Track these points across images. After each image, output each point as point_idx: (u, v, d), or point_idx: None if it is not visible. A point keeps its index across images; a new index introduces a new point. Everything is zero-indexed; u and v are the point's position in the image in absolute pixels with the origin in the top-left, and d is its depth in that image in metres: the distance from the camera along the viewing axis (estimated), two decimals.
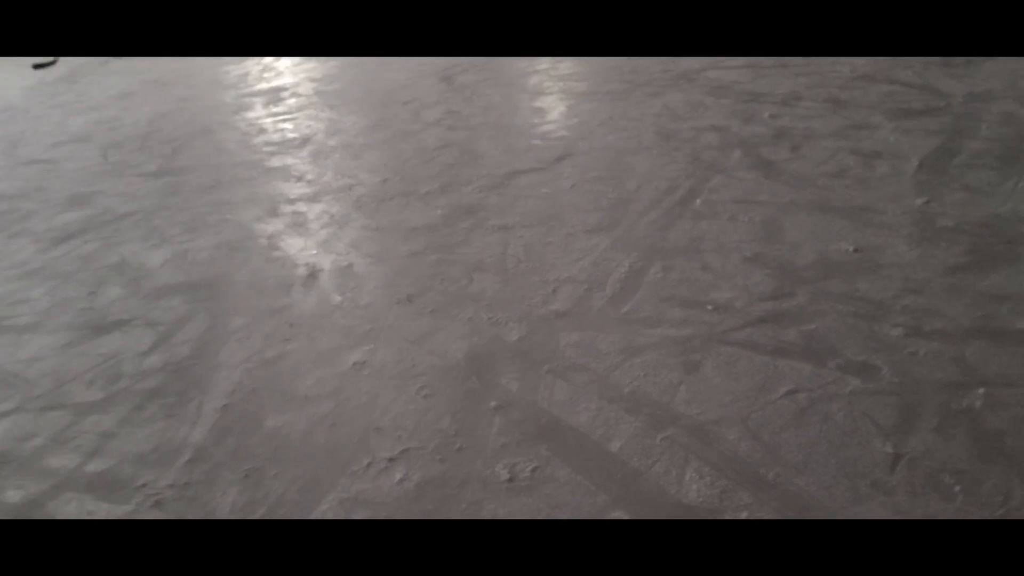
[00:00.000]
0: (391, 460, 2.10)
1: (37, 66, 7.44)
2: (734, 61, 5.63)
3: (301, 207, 3.94)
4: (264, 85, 6.72)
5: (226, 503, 2.02)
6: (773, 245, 3.00)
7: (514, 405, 2.26)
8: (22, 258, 3.55)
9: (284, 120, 5.55)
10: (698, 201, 3.45)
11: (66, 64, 7.84)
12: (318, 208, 3.91)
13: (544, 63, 6.64)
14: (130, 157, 4.97)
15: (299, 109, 5.82)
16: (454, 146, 4.71)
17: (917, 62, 4.97)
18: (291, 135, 5.17)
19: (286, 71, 7.27)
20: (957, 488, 1.84)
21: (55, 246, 3.65)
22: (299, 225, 3.72)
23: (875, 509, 1.80)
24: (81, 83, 7.36)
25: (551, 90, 5.70)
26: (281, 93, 6.36)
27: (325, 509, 1.96)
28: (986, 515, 1.76)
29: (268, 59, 7.90)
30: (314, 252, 3.40)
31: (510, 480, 1.99)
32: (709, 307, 2.64)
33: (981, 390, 2.12)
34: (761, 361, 2.33)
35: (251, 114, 5.82)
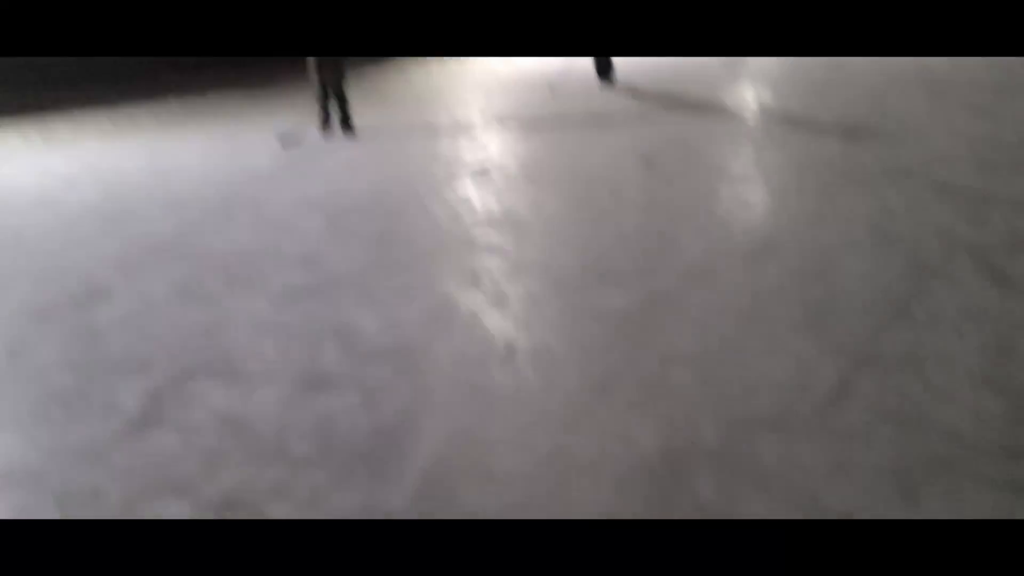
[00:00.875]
0: None
1: (281, 139, 8.32)
2: (961, 154, 5.30)
3: (501, 282, 4.09)
4: (471, 157, 7.11)
5: None
6: (1008, 367, 2.75)
7: (709, 510, 2.19)
8: (257, 311, 3.94)
9: (490, 194, 5.83)
10: (918, 309, 3.24)
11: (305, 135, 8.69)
12: (518, 285, 4.04)
13: (750, 153, 6.56)
14: (354, 223, 5.40)
15: (505, 185, 6.10)
16: (654, 231, 4.73)
17: None
18: (496, 210, 5.42)
19: (493, 146, 7.66)
20: None
21: (285, 301, 4.02)
22: (499, 301, 3.86)
23: None
24: (318, 152, 8.14)
25: (757, 178, 5.61)
26: (487, 166, 6.70)
27: None
28: None
29: (476, 132, 8.37)
30: (512, 329, 3.50)
31: None
32: (930, 430, 2.44)
33: None
34: (992, 498, 2.12)
35: (460, 185, 6.17)
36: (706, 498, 2.25)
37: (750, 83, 10.59)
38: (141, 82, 15.32)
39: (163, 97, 13.04)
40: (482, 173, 6.54)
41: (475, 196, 5.84)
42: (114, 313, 4.06)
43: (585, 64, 11.12)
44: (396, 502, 2.39)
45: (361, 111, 9.44)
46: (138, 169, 8.00)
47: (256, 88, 13.68)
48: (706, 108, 9.09)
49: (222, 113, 11.23)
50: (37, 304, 4.26)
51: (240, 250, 4.95)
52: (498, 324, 3.59)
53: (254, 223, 5.58)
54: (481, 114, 9.88)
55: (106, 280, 4.56)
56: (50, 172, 8.10)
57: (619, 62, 11.14)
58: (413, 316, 3.75)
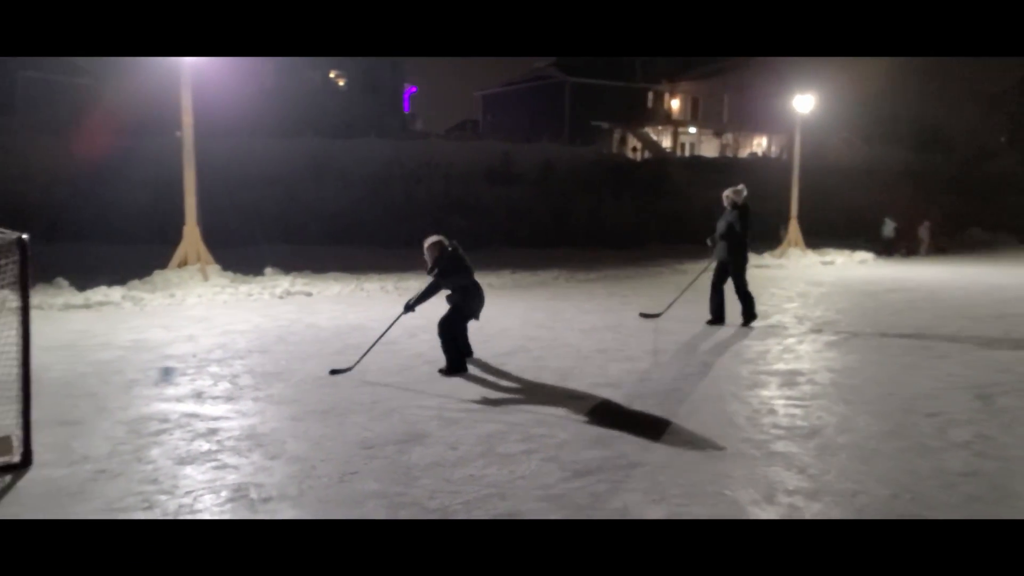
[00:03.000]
0: None
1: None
2: None
3: (798, 501, 3.88)
4: (782, 366, 6.93)
5: None
6: None
7: None
8: (548, 481, 4.13)
9: (795, 406, 5.62)
10: None
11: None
12: (816, 507, 3.80)
13: None
14: (651, 407, 5.51)
15: (812, 398, 5.85)
16: (982, 477, 4.22)
17: None
18: (800, 423, 5.20)
19: (806, 355, 7.42)
20: None
21: (576, 478, 4.17)
22: None
23: None
24: (632, 336, 8.50)
25: None
26: (797, 377, 6.48)
27: None
28: None
29: (790, 340, 8.18)
30: None
31: None
32: None
33: None
34: None
35: (765, 392, 6.03)
36: None
37: None
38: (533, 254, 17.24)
39: (552, 269, 14.62)
40: (790, 383, 6.35)
41: (780, 404, 5.67)
42: (427, 457, 4.50)
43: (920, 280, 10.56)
44: None
45: (666, 300, 9.77)
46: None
47: (636, 270, 14.82)
48: None
49: (599, 287, 12.22)
50: (367, 437, 4.86)
51: (542, 416, 5.26)
52: None
53: (559, 391, 5.92)
54: (797, 319, 9.67)
55: (425, 426, 5.08)
56: (402, 321, 9.34)
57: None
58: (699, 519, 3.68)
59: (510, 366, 6.86)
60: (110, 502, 3.79)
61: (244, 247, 15.60)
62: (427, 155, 23.05)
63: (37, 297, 9.95)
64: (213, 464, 4.35)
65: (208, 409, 5.43)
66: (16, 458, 4.16)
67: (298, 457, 4.48)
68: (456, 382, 6.25)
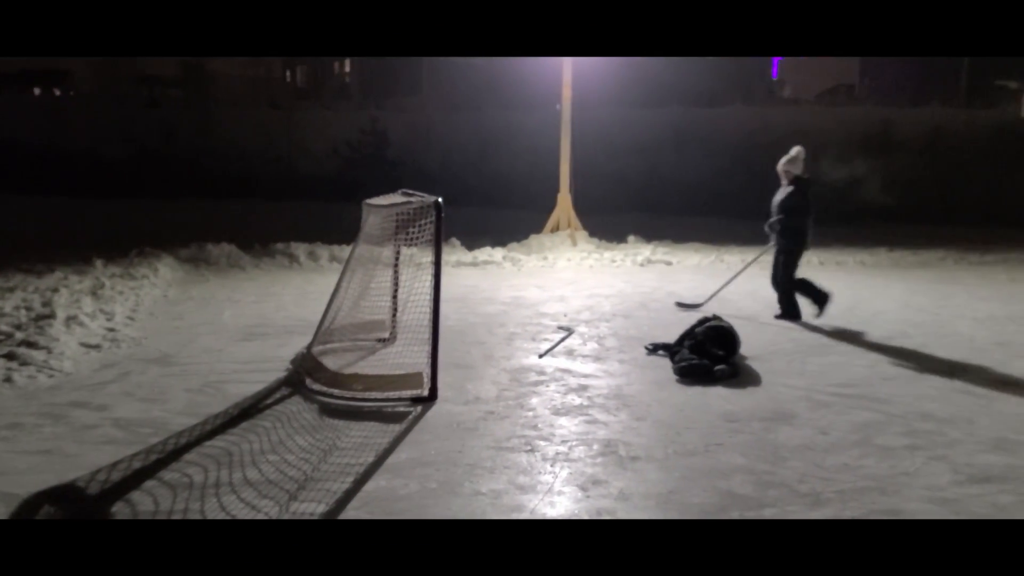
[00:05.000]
0: None
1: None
2: None
3: None
4: None
5: None
6: None
7: None
8: (936, 483, 3.73)
9: None
10: None
11: None
12: None
13: None
14: None
15: None
16: None
17: None
18: None
19: None
20: None
21: (972, 483, 3.72)
22: None
23: None
24: None
25: None
26: None
27: None
28: None
29: None
30: None
31: None
32: None
33: None
34: None
35: None
36: None
37: None
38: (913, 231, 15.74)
39: (937, 248, 13.21)
40: None
41: None
42: (795, 438, 4.33)
43: None
44: None
45: None
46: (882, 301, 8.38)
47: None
48: None
49: (999, 271, 10.97)
50: (731, 411, 4.81)
51: (927, 410, 4.76)
52: None
53: (947, 385, 5.31)
54: None
55: (792, 406, 4.89)
56: (766, 297, 9.08)
57: None
58: None
59: (887, 352, 6.30)
60: (498, 441, 4.24)
61: (608, 214, 16.22)
62: (795, 123, 21.78)
63: None
64: (585, 418, 4.64)
65: (579, 367, 5.79)
66: (425, 392, 4.84)
67: (663, 422, 4.59)
68: (826, 364, 5.90)
